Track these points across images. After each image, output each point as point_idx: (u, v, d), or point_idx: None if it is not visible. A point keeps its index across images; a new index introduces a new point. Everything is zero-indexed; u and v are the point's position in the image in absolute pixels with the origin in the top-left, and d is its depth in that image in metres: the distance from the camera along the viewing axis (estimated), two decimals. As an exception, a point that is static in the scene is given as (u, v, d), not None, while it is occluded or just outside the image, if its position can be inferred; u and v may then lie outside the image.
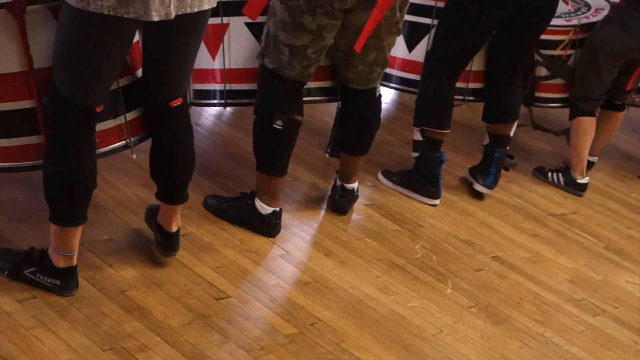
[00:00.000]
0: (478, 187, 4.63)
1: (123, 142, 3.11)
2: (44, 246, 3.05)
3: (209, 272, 3.36)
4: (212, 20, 3.58)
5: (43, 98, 2.87)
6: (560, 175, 5.11)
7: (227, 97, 3.79)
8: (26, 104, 2.88)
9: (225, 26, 3.70)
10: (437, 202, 4.44)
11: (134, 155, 3.14)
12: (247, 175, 4.17)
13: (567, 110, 5.12)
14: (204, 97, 3.85)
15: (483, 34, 4.32)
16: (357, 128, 3.98)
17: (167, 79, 3.06)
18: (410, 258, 3.87)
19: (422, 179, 4.42)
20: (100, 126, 3.00)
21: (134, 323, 2.96)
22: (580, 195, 5.07)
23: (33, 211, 3.43)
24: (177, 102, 3.09)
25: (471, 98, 4.61)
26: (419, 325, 3.39)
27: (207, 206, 3.80)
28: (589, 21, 5.05)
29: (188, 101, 3.82)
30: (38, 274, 2.99)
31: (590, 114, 5.02)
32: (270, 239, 3.70)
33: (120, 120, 3.07)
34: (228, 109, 4.83)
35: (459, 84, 4.46)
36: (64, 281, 2.99)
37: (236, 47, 3.73)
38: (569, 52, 5.00)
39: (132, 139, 3.12)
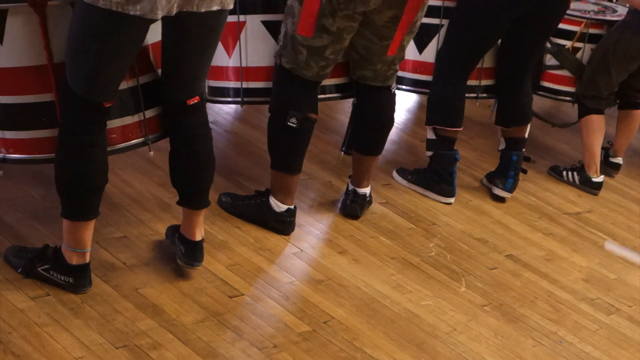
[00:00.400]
0: (498, 191, 4.62)
1: (141, 139, 3.13)
2: (58, 244, 3.06)
3: (222, 269, 3.37)
4: (228, 18, 3.61)
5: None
6: (575, 174, 5.09)
7: (244, 95, 3.79)
8: (45, 97, 2.92)
9: (242, 24, 3.71)
10: (451, 200, 4.44)
11: (152, 153, 3.15)
12: (262, 173, 4.18)
13: (569, 105, 5.13)
14: (220, 94, 3.86)
15: (495, 33, 4.32)
16: (372, 126, 3.98)
17: (183, 77, 3.08)
18: (424, 256, 3.87)
19: (436, 177, 4.42)
20: (120, 122, 3.04)
21: (147, 321, 2.97)
22: (595, 194, 5.05)
23: (47, 208, 3.45)
24: (194, 100, 3.11)
25: (484, 95, 4.61)
26: (432, 324, 3.38)
27: (222, 204, 3.81)
28: (603, 18, 5.04)
29: (206, 97, 3.86)
30: (51, 272, 3.01)
31: (599, 111, 5.01)
32: (284, 236, 3.70)
33: (140, 117, 3.09)
34: (244, 106, 4.84)
35: (471, 82, 4.46)
36: (77, 278, 3.01)
37: (253, 45, 3.74)
38: (579, 44, 4.98)
39: (150, 136, 3.14)
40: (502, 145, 4.65)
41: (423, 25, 3.88)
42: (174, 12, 2.82)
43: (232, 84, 3.80)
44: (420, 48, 4.44)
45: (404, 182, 4.51)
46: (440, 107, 4.39)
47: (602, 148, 5.23)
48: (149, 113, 3.13)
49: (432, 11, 4.26)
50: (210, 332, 2.99)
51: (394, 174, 4.55)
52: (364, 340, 3.17)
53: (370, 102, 3.92)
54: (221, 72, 3.82)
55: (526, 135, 4.64)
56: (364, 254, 3.75)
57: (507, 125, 4.59)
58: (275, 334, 3.07)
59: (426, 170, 4.47)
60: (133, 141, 3.12)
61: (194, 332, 2.96)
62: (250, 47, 3.74)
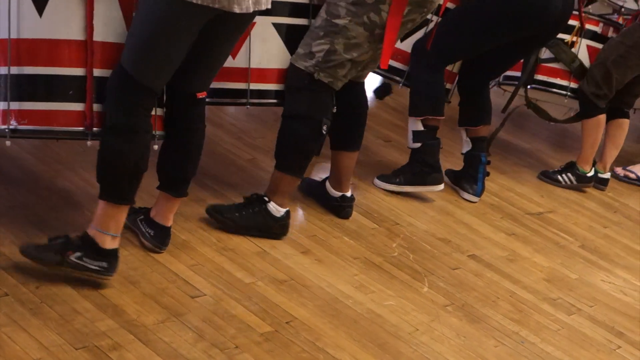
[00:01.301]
0: (468, 196, 4.65)
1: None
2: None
3: (184, 269, 3.34)
4: None
5: (95, 70, 2.99)
6: (570, 174, 5.14)
7: (251, 96, 3.74)
8: (77, 71, 3.00)
9: (252, 24, 3.66)
10: (442, 187, 4.46)
11: (156, 146, 3.20)
12: (225, 172, 4.17)
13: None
14: (223, 95, 3.78)
15: (494, 46, 4.34)
16: (353, 119, 4.01)
17: (205, 71, 3.20)
18: (387, 256, 3.87)
19: (425, 168, 4.41)
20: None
21: (108, 321, 2.93)
22: (589, 187, 5.14)
23: (7, 208, 3.41)
24: (203, 94, 3.24)
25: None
26: (395, 324, 3.38)
27: (215, 217, 3.69)
28: (599, 13, 5.10)
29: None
30: (84, 258, 3.01)
31: (605, 110, 5.08)
32: (247, 236, 3.67)
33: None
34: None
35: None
36: (110, 262, 3.04)
37: (262, 46, 3.69)
38: (574, 38, 5.01)
39: (157, 133, 3.19)
40: (468, 147, 4.66)
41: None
42: (251, 10, 2.96)
43: (234, 85, 3.73)
44: (404, 37, 4.44)
45: (391, 187, 4.47)
46: (430, 97, 4.38)
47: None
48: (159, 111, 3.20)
49: None
50: (172, 332, 2.96)
51: (377, 181, 4.49)
52: (326, 340, 3.16)
53: (350, 98, 3.95)
54: (224, 73, 3.73)
55: (488, 135, 4.67)
56: (327, 254, 3.75)
57: (475, 124, 4.61)
58: (237, 335, 3.05)
59: (411, 165, 4.45)
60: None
61: (154, 333, 2.94)
62: (258, 49, 3.69)
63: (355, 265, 3.72)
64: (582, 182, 5.14)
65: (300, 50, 3.65)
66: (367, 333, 3.28)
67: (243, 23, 3.13)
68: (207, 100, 3.78)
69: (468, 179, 4.65)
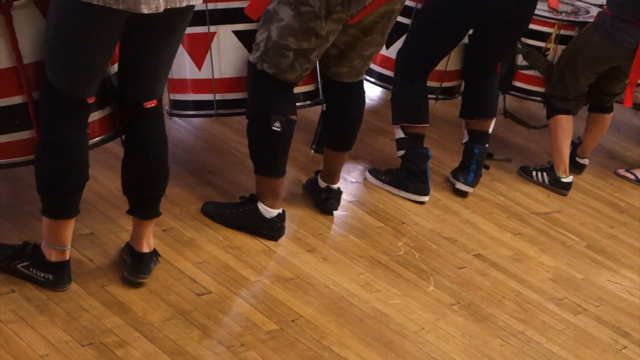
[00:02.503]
0: (459, 185, 4.64)
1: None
2: (25, 240, 3.04)
3: (190, 267, 3.35)
4: (198, 30, 3.60)
5: (34, 93, 2.87)
6: (544, 174, 5.11)
7: (218, 107, 3.72)
8: (17, 99, 2.88)
9: (212, 35, 3.65)
10: (426, 198, 4.44)
11: None
12: (231, 170, 4.17)
13: (538, 105, 5.18)
14: (188, 107, 3.79)
15: (455, 37, 4.37)
16: (345, 121, 3.98)
17: (145, 78, 3.02)
18: (393, 255, 3.87)
19: (411, 176, 4.42)
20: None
21: (114, 318, 2.94)
22: (565, 194, 5.07)
23: (12, 205, 3.41)
24: (152, 103, 3.03)
25: (442, 97, 4.68)
26: (401, 323, 3.38)
27: (207, 214, 3.74)
28: (575, 19, 5.07)
29: (170, 112, 3.83)
30: (31, 268, 2.98)
31: (567, 112, 5.04)
32: (253, 235, 3.68)
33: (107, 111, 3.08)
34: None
35: (432, 83, 4.52)
36: (56, 275, 2.98)
37: (226, 56, 3.67)
38: (549, 45, 5.01)
39: (97, 139, 3.08)
40: (466, 138, 4.67)
41: (395, 22, 3.89)
42: (162, 9, 2.77)
43: (202, 97, 3.73)
44: (389, 44, 4.47)
45: (377, 182, 4.50)
46: (406, 105, 4.42)
47: (572, 143, 5.25)
48: (95, 115, 3.04)
49: (405, 11, 4.28)
50: (178, 330, 2.97)
51: (367, 174, 4.54)
52: (331, 339, 3.17)
53: (343, 99, 3.92)
54: (190, 85, 3.74)
55: (490, 130, 4.65)
56: (332, 252, 3.75)
57: (470, 117, 4.61)
58: (243, 333, 3.06)
59: (400, 170, 4.47)
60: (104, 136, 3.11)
61: (160, 330, 2.94)
62: (223, 58, 3.67)
63: (361, 263, 3.73)
64: (554, 185, 5.06)
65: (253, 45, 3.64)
66: (373, 332, 3.28)
67: (171, 23, 2.91)
68: (175, 113, 3.77)
69: (462, 169, 4.66)
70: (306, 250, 3.71)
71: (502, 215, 4.61)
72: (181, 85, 3.77)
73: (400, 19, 4.21)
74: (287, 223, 3.85)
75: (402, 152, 4.44)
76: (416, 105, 4.41)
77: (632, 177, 5.62)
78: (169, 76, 3.64)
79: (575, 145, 5.39)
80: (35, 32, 2.83)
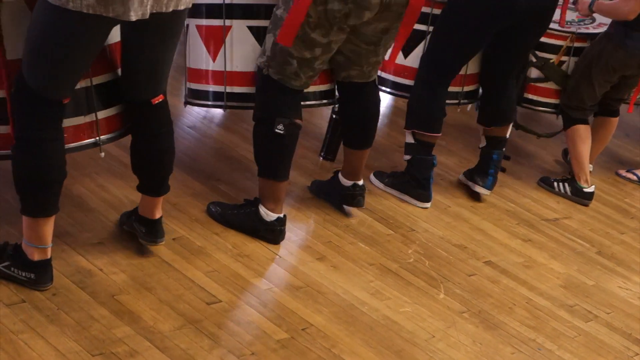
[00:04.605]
0: (478, 188, 4.64)
1: (92, 140, 3.12)
2: (17, 241, 3.05)
3: (200, 276, 3.34)
4: (214, 22, 3.68)
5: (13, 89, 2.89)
6: (566, 185, 5.11)
7: (227, 99, 3.78)
8: None
9: (227, 28, 3.69)
10: (427, 205, 4.44)
11: (102, 154, 3.18)
12: (240, 178, 4.16)
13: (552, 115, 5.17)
14: (202, 97, 3.86)
15: (480, 43, 4.33)
16: (362, 119, 4.00)
17: (148, 78, 3.09)
18: (403, 263, 3.86)
19: (413, 181, 4.42)
20: (70, 122, 3.03)
21: (124, 328, 2.94)
22: (587, 205, 5.05)
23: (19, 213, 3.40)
24: (159, 99, 3.14)
25: (465, 101, 4.64)
26: (411, 331, 3.37)
27: (211, 214, 3.78)
28: (588, 32, 5.07)
29: (186, 100, 3.90)
30: (12, 268, 2.99)
31: (584, 121, 5.05)
32: (262, 242, 3.67)
33: (92, 117, 3.09)
34: (221, 111, 4.82)
35: (454, 88, 4.48)
36: (38, 275, 2.99)
37: (239, 50, 3.72)
38: (563, 58, 5.01)
39: (103, 137, 3.13)
40: (483, 143, 4.68)
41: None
42: (148, 15, 2.80)
43: (214, 88, 3.79)
44: (406, 53, 4.45)
45: (380, 185, 4.51)
46: (420, 112, 4.40)
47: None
48: (102, 114, 3.12)
49: (420, 17, 4.26)
50: (188, 339, 2.96)
51: (371, 177, 4.54)
52: (342, 347, 3.15)
53: (358, 98, 3.94)
54: (205, 76, 3.80)
55: (507, 135, 4.67)
56: (342, 260, 3.74)
57: (487, 125, 4.62)
58: (254, 341, 3.05)
59: (403, 174, 4.47)
60: (84, 141, 3.11)
61: (171, 340, 2.94)
62: (236, 52, 3.72)
63: (371, 271, 3.72)
64: (577, 195, 5.06)
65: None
66: (383, 340, 3.27)
67: (163, 26, 2.96)
68: (190, 101, 3.87)
69: (479, 173, 4.67)
70: (316, 258, 3.70)
71: (512, 221, 4.59)
72: (197, 74, 3.82)
73: (416, 26, 4.18)
74: (296, 231, 3.85)
75: (408, 157, 4.44)
76: (432, 114, 4.39)
77: (634, 177, 5.61)
78: (187, 65, 3.78)
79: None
80: (22, 29, 2.82)
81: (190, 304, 3.15)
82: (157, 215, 3.32)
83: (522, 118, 5.53)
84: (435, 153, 4.44)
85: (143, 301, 3.10)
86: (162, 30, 2.97)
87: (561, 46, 4.97)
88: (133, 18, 2.76)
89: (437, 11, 4.35)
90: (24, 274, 2.98)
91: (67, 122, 3.00)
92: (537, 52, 4.94)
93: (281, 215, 3.70)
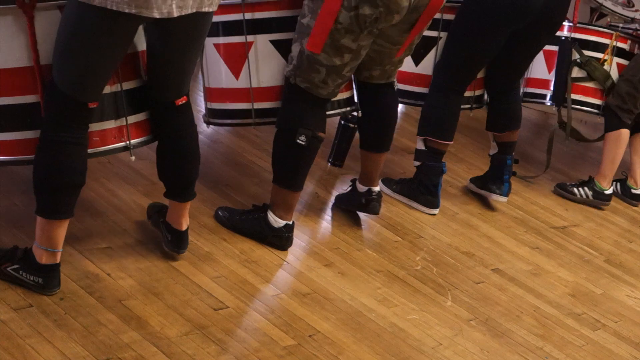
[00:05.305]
0: (496, 197, 4.64)
1: (123, 144, 3.15)
2: (28, 246, 3.05)
3: (207, 282, 3.34)
4: (234, 39, 3.67)
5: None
6: (586, 189, 5.11)
7: (256, 116, 3.74)
8: (30, 98, 2.94)
9: (249, 44, 3.67)
10: (435, 211, 4.43)
11: (133, 157, 3.17)
12: (249, 184, 4.16)
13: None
14: (227, 116, 3.82)
15: (494, 47, 4.32)
16: (380, 122, 4.01)
17: (172, 79, 3.14)
18: (411, 270, 3.86)
19: (422, 188, 4.42)
20: (101, 126, 3.07)
21: (131, 333, 2.94)
22: (607, 205, 5.08)
23: (31, 217, 3.40)
24: (182, 100, 3.19)
25: (476, 105, 4.65)
26: (418, 338, 3.37)
27: (219, 218, 3.78)
28: (630, 31, 5.08)
29: (207, 120, 3.91)
30: (20, 271, 2.99)
31: (629, 126, 5.05)
32: (270, 249, 3.68)
33: (122, 122, 3.12)
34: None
35: (466, 93, 4.48)
36: (46, 279, 2.99)
37: (263, 65, 3.69)
38: (606, 57, 5.00)
39: (133, 142, 3.17)
40: (494, 150, 4.67)
41: (422, 37, 3.90)
42: (175, 14, 2.85)
43: (240, 105, 3.75)
44: (417, 60, 4.44)
45: (389, 191, 4.51)
46: (435, 119, 4.40)
47: (617, 180, 5.24)
48: (132, 119, 3.15)
49: (431, 24, 4.27)
50: (195, 345, 2.96)
51: (380, 183, 4.53)
52: (349, 354, 3.15)
53: (377, 100, 3.96)
54: (230, 94, 3.78)
55: (517, 139, 4.67)
56: (350, 266, 3.74)
57: (500, 131, 4.62)
58: (260, 348, 3.05)
59: (412, 181, 4.47)
60: (114, 145, 3.14)
61: (178, 345, 2.94)
62: (260, 68, 3.69)
63: (379, 278, 3.71)
64: (598, 199, 5.08)
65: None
66: (390, 347, 3.26)
67: (189, 27, 2.99)
68: (212, 121, 3.87)
69: (495, 180, 4.66)
70: (323, 264, 3.70)
71: (520, 229, 4.59)
72: (218, 94, 3.81)
73: (427, 32, 4.19)
74: (304, 237, 3.85)
75: (418, 163, 4.44)
76: (446, 122, 4.39)
77: None
78: (206, 85, 3.80)
79: (624, 180, 5.35)
80: (55, 36, 2.88)
81: (198, 310, 3.15)
82: (184, 227, 3.36)
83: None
84: (444, 159, 4.44)
85: (150, 306, 3.10)
86: (186, 32, 3.01)
87: (604, 44, 4.95)
88: (156, 15, 2.80)
89: (447, 17, 4.34)
90: (32, 278, 2.99)
91: (98, 126, 3.05)
92: (582, 50, 4.95)
93: (290, 222, 3.70)
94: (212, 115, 3.87)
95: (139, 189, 3.84)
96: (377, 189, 4.07)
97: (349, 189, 4.17)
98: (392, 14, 3.47)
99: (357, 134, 4.30)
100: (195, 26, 3.01)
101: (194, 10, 2.91)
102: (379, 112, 3.99)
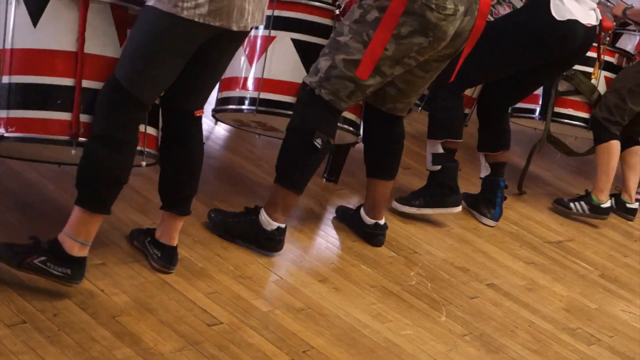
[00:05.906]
0: (487, 221, 4.68)
1: (138, 148, 3.20)
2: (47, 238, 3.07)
3: (201, 297, 3.34)
4: (257, 32, 3.88)
5: (83, 81, 3.04)
6: (582, 203, 5.11)
7: (260, 104, 3.85)
8: (66, 81, 3.04)
9: (271, 39, 3.81)
10: (460, 208, 4.48)
11: (144, 163, 3.24)
12: (243, 199, 4.16)
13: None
14: (233, 102, 3.93)
15: (514, 69, 4.39)
16: (393, 151, 4.06)
17: (202, 88, 3.26)
18: (405, 285, 3.86)
19: (446, 190, 4.42)
20: None
21: (125, 349, 2.93)
22: (605, 219, 5.07)
23: (25, 233, 3.40)
24: (200, 112, 3.31)
25: (465, 124, 4.71)
26: (412, 354, 3.36)
27: (211, 221, 3.81)
28: (618, 46, 5.12)
29: (213, 109, 4.04)
30: (48, 263, 3.01)
31: (619, 137, 5.07)
32: (264, 264, 3.68)
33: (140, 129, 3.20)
34: (226, 132, 4.84)
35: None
36: (74, 270, 3.03)
37: (278, 59, 3.83)
38: (596, 70, 5.03)
39: (147, 150, 3.24)
40: (486, 172, 4.68)
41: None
42: (249, 27, 3.06)
43: (249, 94, 3.88)
44: None
45: (412, 210, 4.48)
46: (448, 121, 4.44)
47: (611, 195, 5.25)
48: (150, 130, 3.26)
49: None
50: (188, 361, 2.96)
51: (396, 204, 4.48)
52: (343, 370, 3.15)
53: (392, 129, 4.02)
54: (237, 82, 3.91)
55: (508, 160, 4.70)
56: (344, 282, 3.74)
57: (495, 150, 4.64)
58: (254, 364, 3.05)
59: (429, 187, 4.47)
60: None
61: (171, 361, 2.94)
62: (275, 61, 3.84)
63: (373, 293, 3.71)
64: (595, 213, 5.08)
65: (311, 68, 3.70)
66: (385, 363, 3.26)
67: (240, 39, 3.19)
68: (217, 108, 4.00)
69: (486, 203, 4.67)
70: (318, 280, 3.70)
71: (514, 244, 4.59)
72: (228, 82, 3.93)
73: None
74: (298, 252, 3.85)
75: (437, 167, 4.44)
76: (458, 121, 4.47)
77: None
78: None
79: (618, 194, 5.36)
80: (102, 29, 3.05)
81: (191, 326, 3.15)
82: (175, 242, 3.41)
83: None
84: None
85: (144, 322, 3.10)
86: (235, 43, 3.18)
87: (592, 58, 4.97)
88: (235, 28, 3.00)
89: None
90: (60, 270, 3.01)
91: None
92: None
93: (282, 225, 3.71)
94: (219, 104, 3.98)
95: (132, 205, 3.84)
96: (383, 222, 4.11)
97: (355, 210, 4.18)
98: (439, 41, 3.54)
99: (355, 155, 4.31)
100: (241, 41, 3.19)
101: (257, 25, 3.12)
102: (394, 140, 4.05)
